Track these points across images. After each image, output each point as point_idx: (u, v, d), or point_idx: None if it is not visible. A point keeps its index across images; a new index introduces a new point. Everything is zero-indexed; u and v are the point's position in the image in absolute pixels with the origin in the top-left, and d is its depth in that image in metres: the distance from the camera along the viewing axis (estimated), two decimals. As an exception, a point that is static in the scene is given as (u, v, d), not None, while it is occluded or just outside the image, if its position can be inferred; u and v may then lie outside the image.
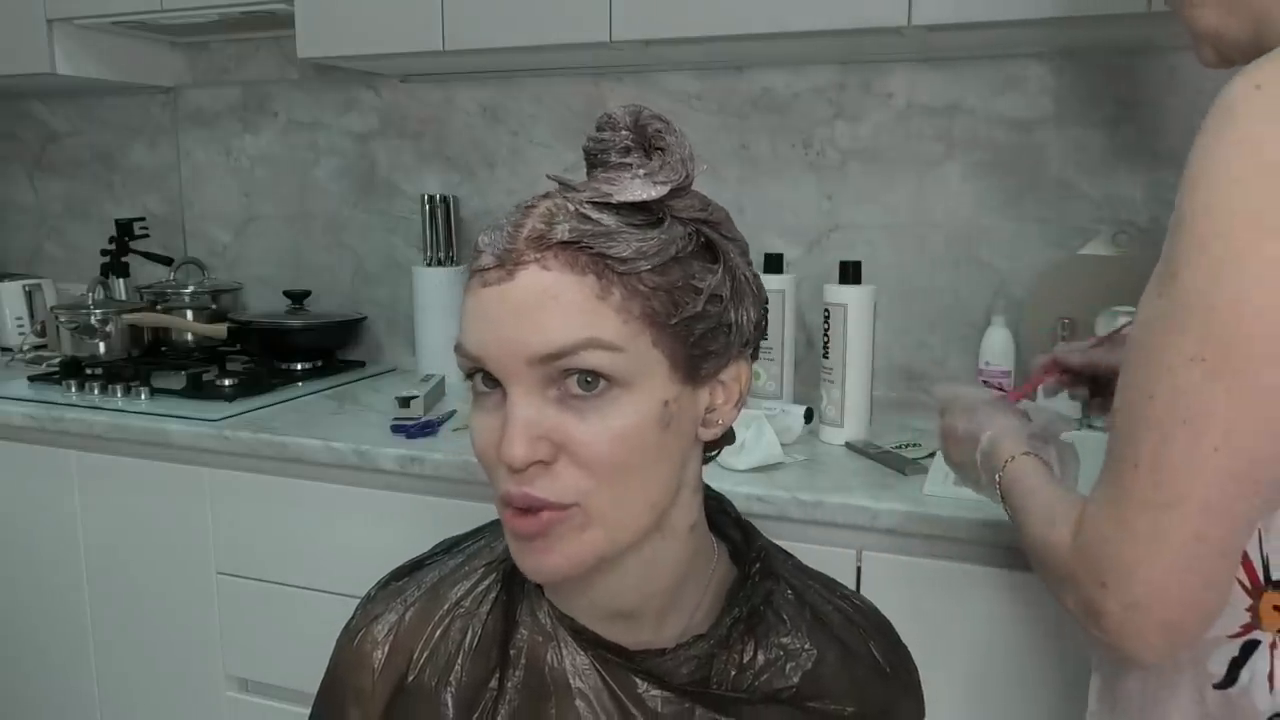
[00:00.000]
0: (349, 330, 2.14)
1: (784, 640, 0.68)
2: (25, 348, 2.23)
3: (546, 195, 0.62)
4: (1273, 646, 0.68)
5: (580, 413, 0.58)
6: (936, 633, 1.24)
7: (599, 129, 0.63)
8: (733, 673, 0.66)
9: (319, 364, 2.05)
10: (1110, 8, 1.33)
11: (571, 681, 0.66)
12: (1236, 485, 0.61)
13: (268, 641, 1.64)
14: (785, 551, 0.77)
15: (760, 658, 0.67)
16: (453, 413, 1.70)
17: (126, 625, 1.76)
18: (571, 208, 0.59)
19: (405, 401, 1.65)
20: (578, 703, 0.66)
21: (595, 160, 0.63)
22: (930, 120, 1.73)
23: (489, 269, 0.59)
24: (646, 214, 0.60)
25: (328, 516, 1.55)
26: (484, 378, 0.61)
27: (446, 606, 0.71)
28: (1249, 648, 0.69)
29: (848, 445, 1.51)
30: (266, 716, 1.66)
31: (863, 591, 1.26)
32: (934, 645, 1.24)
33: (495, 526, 0.75)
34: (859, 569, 1.26)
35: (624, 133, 0.62)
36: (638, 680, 0.66)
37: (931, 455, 1.38)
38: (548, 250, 0.58)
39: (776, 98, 1.81)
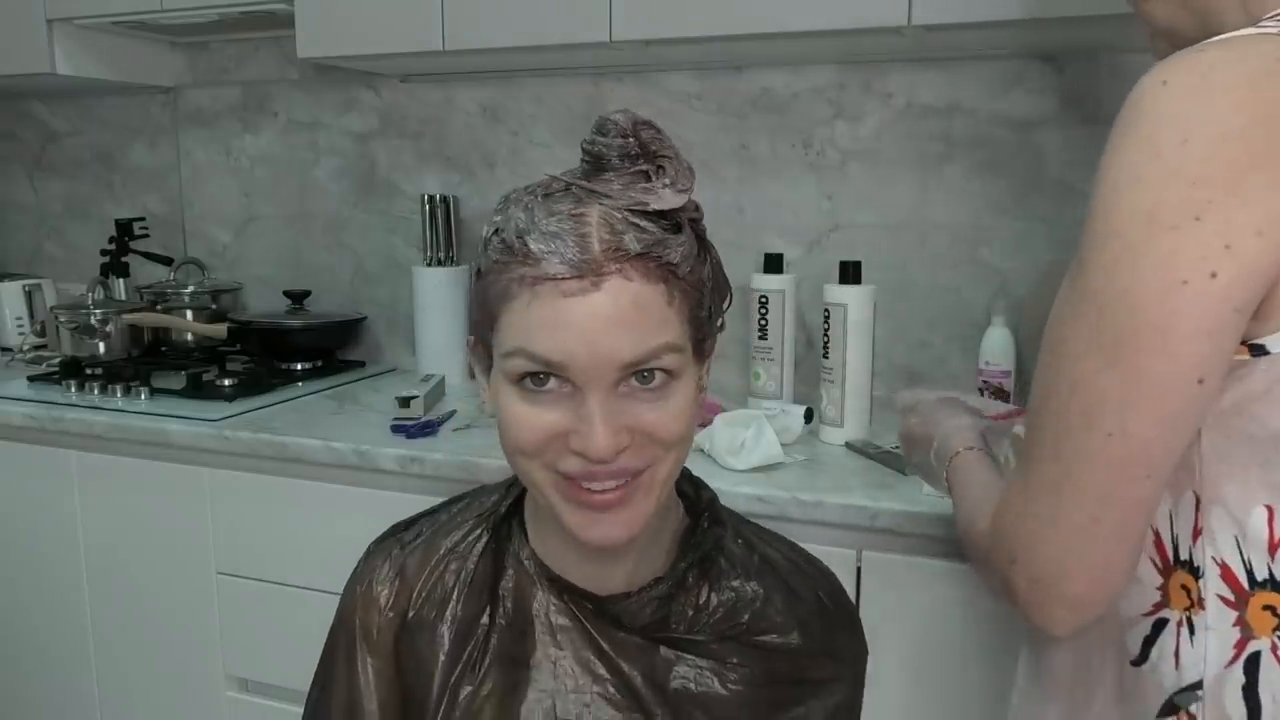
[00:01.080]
0: (349, 330, 2.14)
1: (734, 584, 0.75)
2: (25, 348, 2.23)
3: (572, 197, 0.65)
4: (1179, 625, 0.69)
5: (647, 401, 0.65)
6: (936, 632, 1.24)
7: (603, 133, 0.66)
8: (689, 613, 0.74)
9: (319, 364, 2.05)
10: (1110, 8, 1.33)
11: (551, 620, 0.74)
12: (1129, 471, 0.63)
13: (268, 641, 1.64)
14: (734, 512, 0.85)
15: (714, 599, 0.74)
16: (453, 413, 1.70)
17: (126, 625, 1.76)
18: (619, 216, 0.63)
19: (405, 401, 1.65)
20: (556, 638, 0.74)
21: (600, 163, 0.66)
22: (930, 120, 1.73)
23: (567, 279, 0.62)
24: (668, 219, 0.65)
25: (328, 516, 1.55)
26: (534, 378, 0.64)
27: (442, 552, 0.78)
28: (1159, 626, 0.70)
29: (848, 445, 1.51)
30: (266, 716, 1.66)
31: (863, 591, 1.26)
32: (934, 645, 1.24)
33: (481, 489, 0.85)
34: (859, 569, 1.26)
35: (630, 139, 0.65)
36: (607, 624, 0.73)
37: (931, 455, 1.38)
38: (625, 261, 0.62)
39: (776, 98, 1.81)
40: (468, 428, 1.61)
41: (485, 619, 0.75)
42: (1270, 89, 0.61)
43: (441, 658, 0.75)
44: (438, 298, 1.97)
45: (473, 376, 0.76)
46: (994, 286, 1.72)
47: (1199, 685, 0.67)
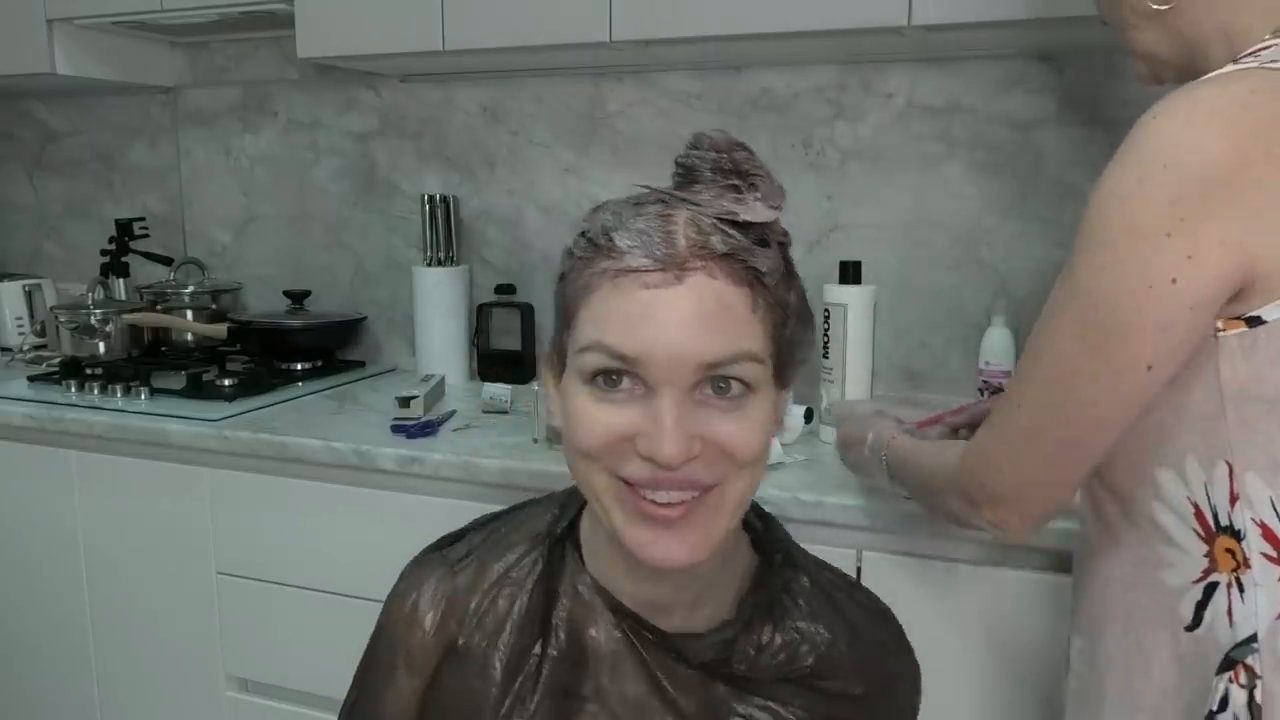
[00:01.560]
0: (349, 330, 2.14)
1: (800, 624, 0.73)
2: (25, 348, 2.23)
3: (664, 203, 0.64)
4: (1229, 586, 0.76)
5: (722, 412, 0.63)
6: (936, 632, 1.24)
7: (698, 146, 0.66)
8: (751, 653, 0.71)
9: (319, 364, 2.05)
10: (1110, 8, 1.33)
11: (607, 651, 0.71)
12: (1086, 429, 0.78)
13: (268, 641, 1.64)
14: (797, 545, 0.82)
15: (777, 639, 0.71)
16: (453, 413, 1.70)
17: (126, 625, 1.76)
18: (707, 220, 0.62)
19: (405, 401, 1.65)
20: (612, 670, 0.71)
21: (694, 175, 0.65)
22: (930, 120, 1.73)
23: (650, 270, 0.61)
24: (755, 234, 0.64)
25: (328, 516, 1.55)
26: (608, 377, 0.62)
27: (495, 577, 0.75)
28: (1209, 590, 0.77)
29: (848, 445, 1.51)
30: (266, 716, 1.66)
31: (863, 591, 1.26)
32: (933, 645, 1.24)
33: (529, 506, 0.81)
34: (859, 569, 1.26)
35: (724, 155, 0.65)
36: (667, 656, 0.71)
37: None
38: (710, 260, 0.61)
39: (776, 98, 1.81)
40: (467, 428, 1.61)
41: (537, 649, 0.72)
42: (1246, 119, 0.71)
43: (492, 689, 0.72)
44: (438, 298, 1.97)
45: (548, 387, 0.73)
46: (994, 286, 1.72)
47: (1254, 639, 0.74)
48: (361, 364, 2.13)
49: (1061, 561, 1.18)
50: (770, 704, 0.71)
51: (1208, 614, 0.77)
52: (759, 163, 0.65)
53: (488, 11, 1.62)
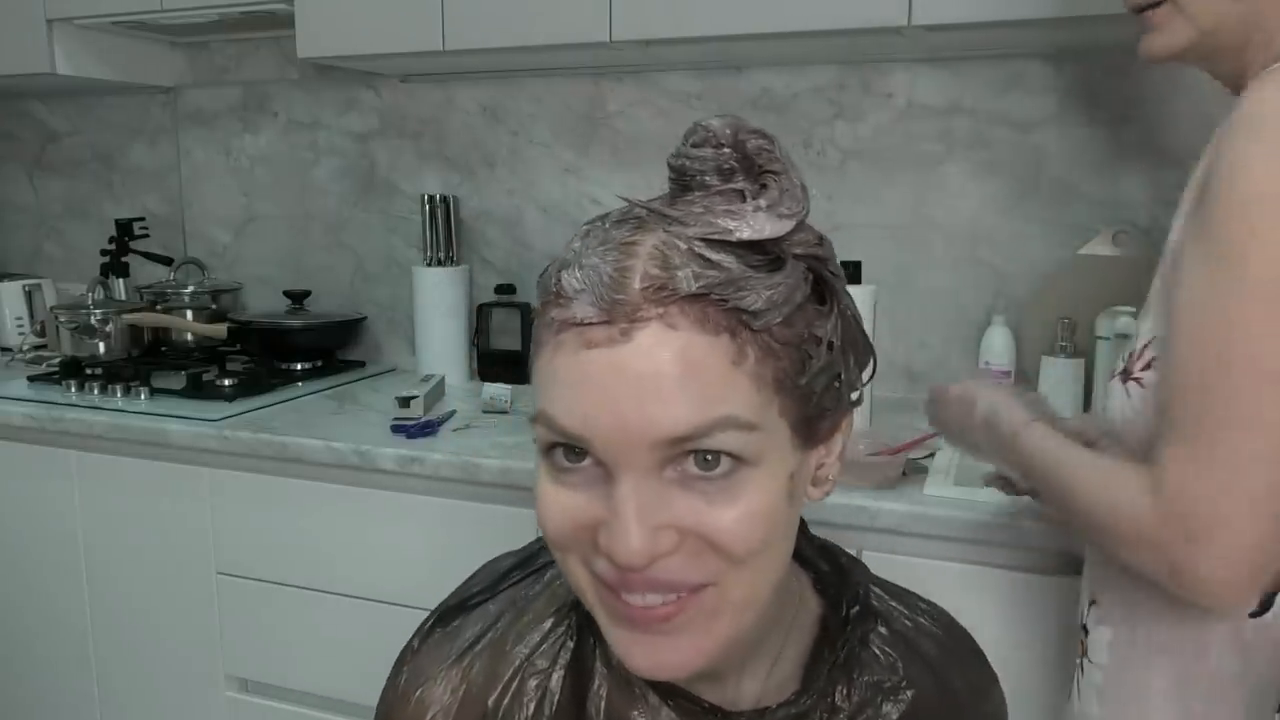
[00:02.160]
0: (349, 330, 2.14)
1: (878, 679, 0.61)
2: (25, 348, 2.23)
3: (638, 223, 0.50)
4: None
5: (706, 495, 0.49)
6: (936, 633, 1.24)
7: (696, 144, 0.51)
8: (824, 715, 0.59)
9: (319, 364, 2.05)
10: (1110, 8, 1.32)
11: None
12: None
13: (268, 641, 1.64)
14: (861, 565, 0.70)
15: (854, 699, 0.60)
16: (453, 413, 1.70)
17: (126, 625, 1.76)
18: (683, 246, 0.48)
19: (405, 401, 1.65)
20: None
21: (689, 181, 0.51)
22: (930, 120, 1.73)
23: (593, 324, 0.47)
24: (764, 253, 0.50)
25: (328, 516, 1.55)
26: (566, 451, 0.50)
27: (517, 664, 0.61)
28: None
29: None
30: (266, 716, 1.66)
31: (863, 591, 1.25)
32: (934, 645, 1.24)
33: (545, 557, 0.67)
34: (859, 569, 1.26)
35: (726, 150, 0.51)
36: None
37: (931, 456, 1.38)
38: (672, 304, 0.47)
39: (776, 98, 1.81)
40: (467, 428, 1.61)
41: None
42: None
43: None
44: (438, 298, 1.97)
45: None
46: (994, 286, 1.72)
47: None
48: (361, 364, 2.13)
49: (1062, 562, 1.18)
50: None
51: (1278, 601, 0.77)
52: (778, 154, 0.51)
53: (488, 11, 1.62)
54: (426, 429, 1.58)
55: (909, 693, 0.61)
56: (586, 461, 0.49)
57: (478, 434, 1.58)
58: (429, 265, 2.00)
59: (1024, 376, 1.63)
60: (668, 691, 0.58)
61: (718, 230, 0.49)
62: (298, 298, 2.11)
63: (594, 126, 1.93)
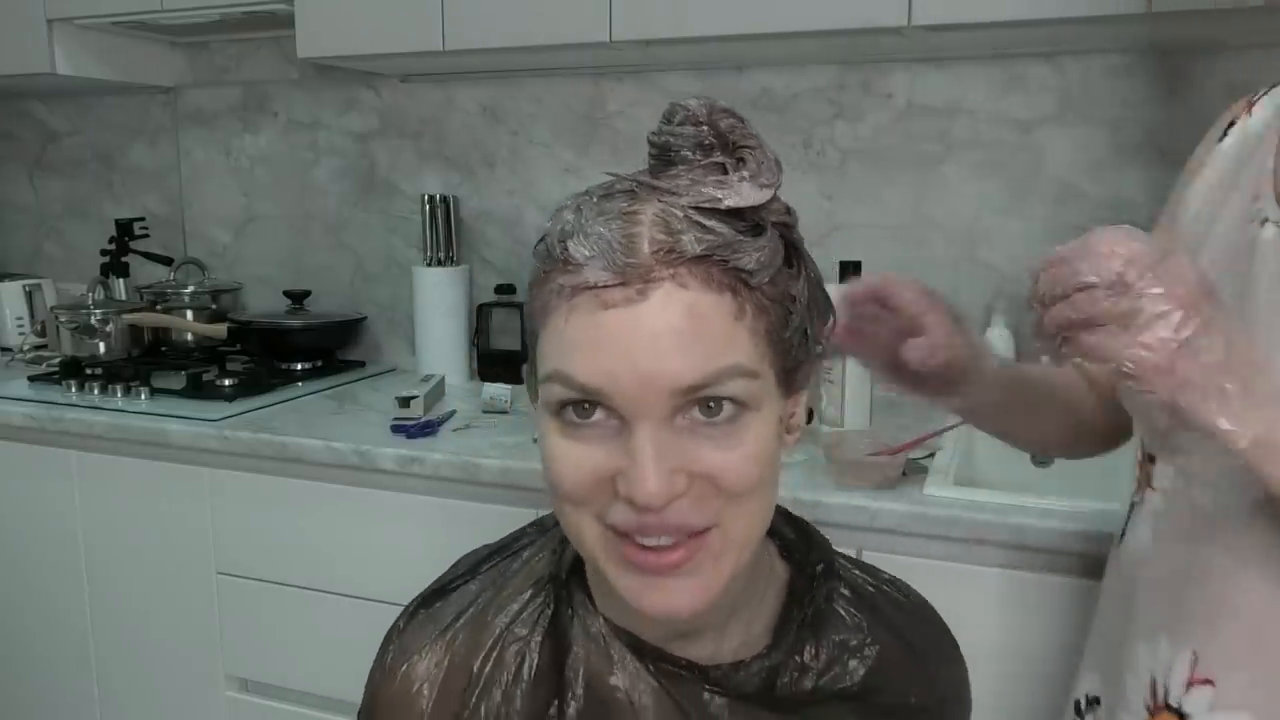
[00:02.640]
0: (349, 330, 2.14)
1: (844, 637, 0.66)
2: (25, 348, 2.23)
3: (630, 195, 0.55)
4: None
5: (713, 440, 0.54)
6: (936, 633, 1.24)
7: (677, 122, 0.56)
8: (796, 675, 0.64)
9: (319, 364, 2.05)
10: (1110, 8, 1.33)
11: (633, 699, 0.62)
12: None
13: (268, 641, 1.64)
14: (825, 538, 0.74)
15: (822, 656, 0.65)
16: (453, 413, 1.70)
17: (126, 625, 1.76)
18: (680, 214, 0.53)
19: (405, 401, 1.65)
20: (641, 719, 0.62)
21: (670, 156, 0.56)
22: (930, 120, 1.73)
23: (608, 286, 0.52)
24: (746, 220, 0.55)
25: (328, 516, 1.55)
26: (576, 408, 0.54)
27: (497, 633, 0.64)
28: None
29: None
30: (266, 716, 1.66)
31: (863, 591, 1.26)
32: (934, 645, 1.24)
33: (525, 539, 0.71)
34: (859, 569, 1.26)
35: (704, 128, 0.55)
36: (703, 692, 0.62)
37: (931, 456, 1.38)
38: (680, 265, 0.52)
39: (776, 98, 1.81)
40: (467, 428, 1.61)
41: (554, 710, 0.62)
42: None
43: None
44: (438, 298, 1.97)
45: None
46: (994, 286, 1.72)
47: None
48: (361, 364, 2.13)
49: (1062, 562, 1.18)
50: None
51: None
52: (749, 130, 0.56)
53: (488, 11, 1.62)
54: (426, 429, 1.58)
55: (874, 649, 0.66)
56: (597, 416, 0.53)
57: (478, 434, 1.58)
58: (429, 265, 2.00)
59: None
60: (646, 654, 0.62)
61: (708, 199, 0.54)
62: (298, 298, 2.11)
63: (594, 126, 1.93)
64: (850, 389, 1.53)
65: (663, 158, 0.56)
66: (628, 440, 0.53)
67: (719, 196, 0.54)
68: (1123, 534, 0.84)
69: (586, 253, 0.53)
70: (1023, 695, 1.21)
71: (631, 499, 0.52)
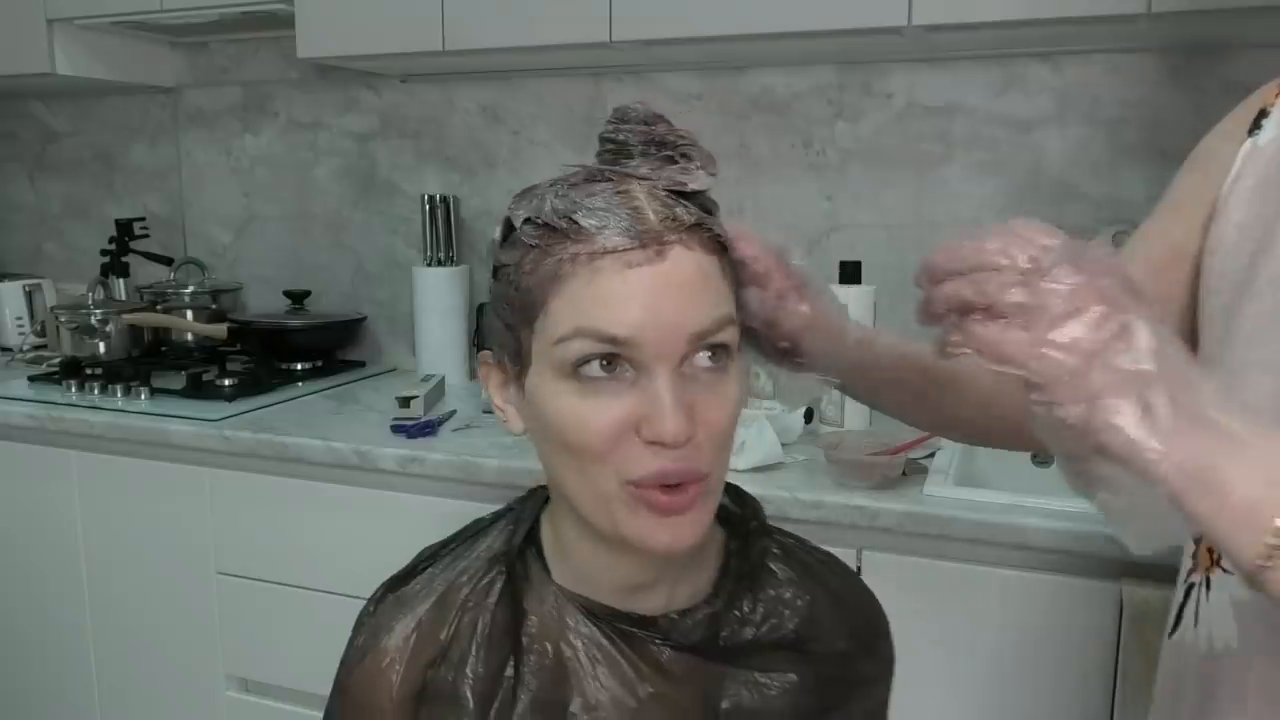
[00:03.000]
0: (349, 330, 2.14)
1: (779, 591, 0.72)
2: (25, 348, 2.23)
3: (610, 181, 0.62)
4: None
5: (709, 386, 0.61)
6: (936, 633, 1.24)
7: (625, 120, 0.65)
8: (736, 626, 0.70)
9: (319, 364, 2.05)
10: (1110, 8, 1.33)
11: (587, 657, 0.68)
12: None
13: (268, 641, 1.64)
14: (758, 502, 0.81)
15: (760, 610, 0.71)
16: (453, 413, 1.70)
17: (126, 625, 1.76)
18: (661, 193, 0.62)
19: (405, 401, 1.65)
20: (596, 677, 0.67)
21: (623, 150, 0.64)
22: (930, 120, 1.73)
23: (629, 249, 0.59)
24: (701, 202, 0.63)
25: (328, 516, 1.55)
26: (594, 363, 0.59)
27: (458, 605, 0.71)
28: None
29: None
30: (266, 716, 1.66)
31: (863, 591, 1.26)
32: (934, 645, 1.24)
33: (484, 524, 0.77)
34: (859, 569, 1.26)
35: (651, 127, 0.64)
36: (652, 646, 0.68)
37: (931, 456, 1.38)
38: (683, 231, 0.60)
39: (776, 98, 1.81)
40: (467, 428, 1.61)
41: (510, 671, 0.68)
42: None
43: None
44: (438, 298, 1.97)
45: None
46: (994, 286, 1.71)
47: None
48: (361, 364, 2.13)
49: (1063, 562, 1.18)
50: (760, 674, 0.70)
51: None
52: (683, 132, 0.64)
53: (488, 11, 1.62)
54: (426, 429, 1.58)
55: (805, 600, 0.72)
56: (616, 372, 0.59)
57: (478, 434, 1.58)
58: (429, 265, 2.00)
59: (1024, 376, 1.63)
60: (599, 615, 0.68)
61: (676, 183, 0.62)
62: (298, 298, 2.11)
63: (594, 126, 1.91)
64: (850, 389, 1.53)
65: (620, 151, 0.64)
66: (645, 389, 0.59)
67: (684, 181, 0.62)
68: (1176, 622, 0.72)
69: (596, 223, 0.59)
70: (1023, 694, 1.22)
71: (659, 439, 0.58)
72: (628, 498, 0.61)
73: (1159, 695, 0.75)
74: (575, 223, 0.60)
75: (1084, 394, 0.47)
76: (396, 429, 1.58)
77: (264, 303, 2.27)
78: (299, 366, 2.02)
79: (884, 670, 0.76)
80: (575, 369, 0.59)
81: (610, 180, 0.62)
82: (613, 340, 0.58)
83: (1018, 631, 1.21)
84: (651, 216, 0.60)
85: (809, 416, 1.57)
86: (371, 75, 2.09)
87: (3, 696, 1.92)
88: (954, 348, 0.51)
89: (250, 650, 1.66)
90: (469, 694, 0.68)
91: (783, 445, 1.40)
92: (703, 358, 0.61)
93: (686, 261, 0.60)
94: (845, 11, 1.43)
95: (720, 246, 0.63)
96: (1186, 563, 0.70)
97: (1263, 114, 0.73)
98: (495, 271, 0.65)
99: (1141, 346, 0.48)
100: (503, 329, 0.65)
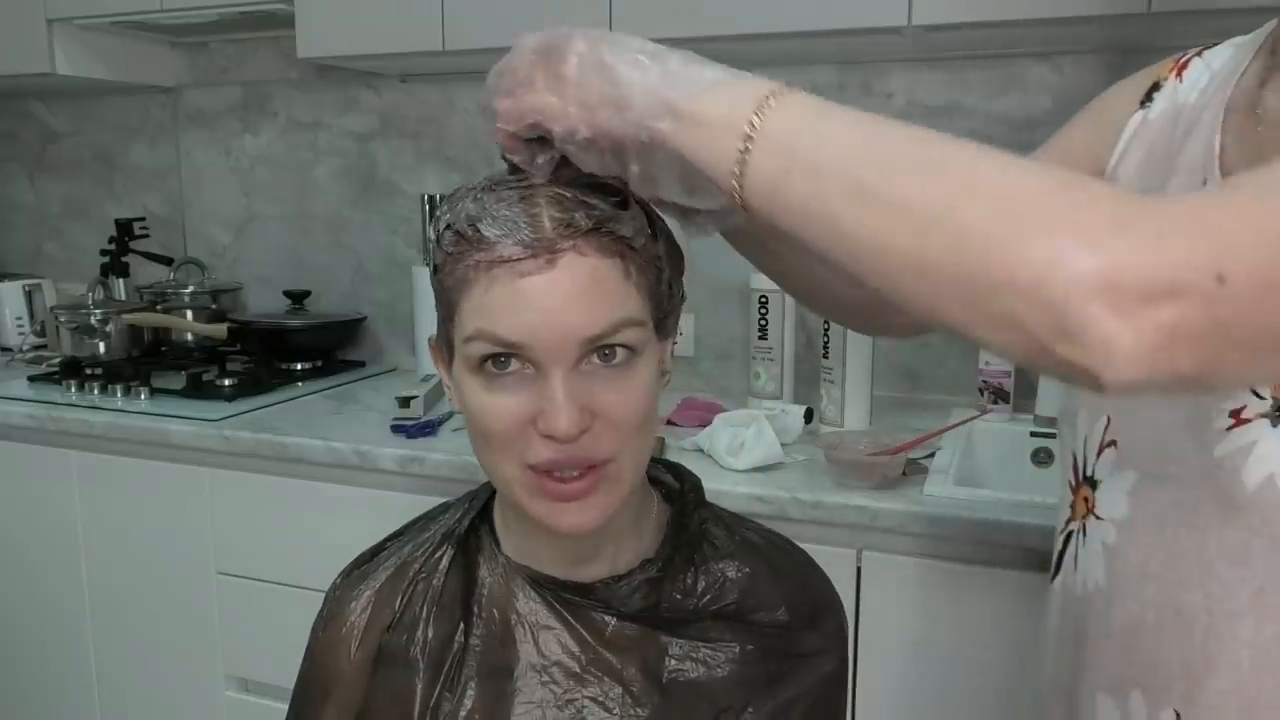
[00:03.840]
0: (349, 330, 2.14)
1: (719, 565, 0.75)
2: (25, 348, 2.23)
3: (519, 179, 0.64)
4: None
5: (608, 381, 0.64)
6: (936, 632, 1.24)
7: None
8: (678, 597, 0.73)
9: (319, 364, 2.05)
10: (1110, 8, 1.33)
11: (533, 624, 0.72)
12: None
13: (268, 641, 1.64)
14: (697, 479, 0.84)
15: (702, 582, 0.74)
16: (452, 413, 1.70)
17: (126, 625, 1.76)
18: (569, 194, 0.63)
19: (405, 401, 1.65)
20: (541, 644, 0.71)
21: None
22: (930, 120, 1.71)
23: (521, 259, 0.61)
24: (616, 195, 0.64)
25: (328, 516, 1.55)
26: (496, 361, 0.64)
27: (411, 575, 0.76)
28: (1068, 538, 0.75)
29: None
30: (266, 716, 1.66)
31: (863, 591, 1.26)
32: (933, 645, 1.24)
33: (442, 507, 0.83)
34: (859, 569, 1.26)
35: None
36: (595, 615, 0.72)
37: (931, 456, 1.38)
38: (578, 237, 0.62)
39: (776, 98, 1.81)
40: (462, 414, 1.61)
41: (460, 636, 0.73)
42: None
43: (418, 683, 0.73)
44: (438, 298, 1.97)
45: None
46: (994, 286, 1.71)
47: None
48: (361, 364, 2.13)
49: (1061, 561, 1.18)
50: (702, 644, 0.72)
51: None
52: None
53: (488, 11, 1.62)
54: (426, 429, 1.58)
55: (745, 571, 0.75)
56: (514, 366, 0.63)
57: (478, 434, 1.58)
58: (429, 265, 2.00)
59: (1024, 377, 1.63)
60: (544, 584, 0.72)
61: (583, 177, 0.62)
62: (298, 298, 2.11)
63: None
64: (850, 389, 1.53)
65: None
66: (542, 386, 0.63)
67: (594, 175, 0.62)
68: (1058, 567, 0.77)
69: (497, 232, 0.62)
70: (1022, 694, 1.21)
71: (551, 434, 0.62)
72: (528, 481, 0.65)
73: (1043, 636, 0.79)
74: (479, 231, 0.63)
75: (592, 117, 0.58)
76: (396, 429, 1.58)
77: (264, 303, 2.27)
78: (299, 366, 2.02)
79: (831, 644, 0.78)
80: (480, 365, 0.64)
81: (521, 185, 0.64)
82: (507, 344, 0.62)
83: (1017, 631, 1.21)
84: (547, 224, 0.62)
85: (809, 416, 1.57)
86: (371, 75, 2.09)
87: (3, 696, 1.92)
88: (496, 137, 0.63)
89: (250, 650, 1.66)
90: (420, 657, 0.73)
91: (783, 445, 1.40)
92: (596, 357, 0.64)
93: (580, 267, 0.62)
94: (845, 11, 1.43)
95: (628, 247, 0.64)
96: (1065, 512, 0.76)
97: (1155, 87, 0.75)
98: (433, 269, 0.69)
99: (574, 50, 0.62)
100: (438, 322, 0.70)
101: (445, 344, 0.70)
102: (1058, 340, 0.43)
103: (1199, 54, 0.75)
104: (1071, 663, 0.74)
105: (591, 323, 0.62)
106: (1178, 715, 0.65)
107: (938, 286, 0.47)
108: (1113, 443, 0.70)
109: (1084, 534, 0.73)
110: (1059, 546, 0.77)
